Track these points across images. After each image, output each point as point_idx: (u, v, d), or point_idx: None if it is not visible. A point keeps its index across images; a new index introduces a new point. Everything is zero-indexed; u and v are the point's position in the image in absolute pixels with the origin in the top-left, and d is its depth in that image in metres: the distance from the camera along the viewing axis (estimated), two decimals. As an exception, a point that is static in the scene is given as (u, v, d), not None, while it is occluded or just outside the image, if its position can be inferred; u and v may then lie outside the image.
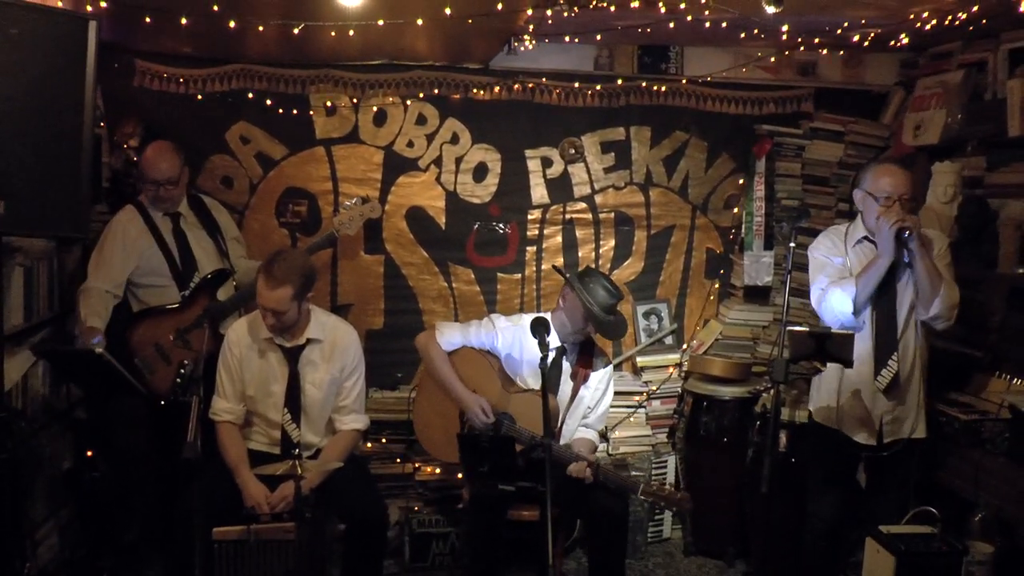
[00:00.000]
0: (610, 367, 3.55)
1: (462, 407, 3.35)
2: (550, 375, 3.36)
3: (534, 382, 3.38)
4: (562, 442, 3.33)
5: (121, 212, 3.56)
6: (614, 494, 3.26)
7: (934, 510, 2.82)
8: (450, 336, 3.44)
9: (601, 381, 3.47)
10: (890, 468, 3.10)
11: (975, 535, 2.82)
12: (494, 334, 3.43)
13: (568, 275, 3.42)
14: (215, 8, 3.00)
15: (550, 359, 3.32)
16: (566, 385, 3.42)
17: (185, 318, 3.45)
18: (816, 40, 3.89)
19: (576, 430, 3.45)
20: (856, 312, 3.00)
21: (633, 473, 3.96)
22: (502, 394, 3.37)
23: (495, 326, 3.44)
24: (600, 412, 3.50)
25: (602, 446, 3.99)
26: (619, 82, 4.17)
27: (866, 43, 3.81)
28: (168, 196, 3.50)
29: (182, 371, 3.19)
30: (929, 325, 3.03)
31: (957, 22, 3.40)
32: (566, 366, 3.44)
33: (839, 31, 3.66)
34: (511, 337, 3.43)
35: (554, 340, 3.35)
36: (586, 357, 3.46)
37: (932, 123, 3.77)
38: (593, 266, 4.34)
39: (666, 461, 4.18)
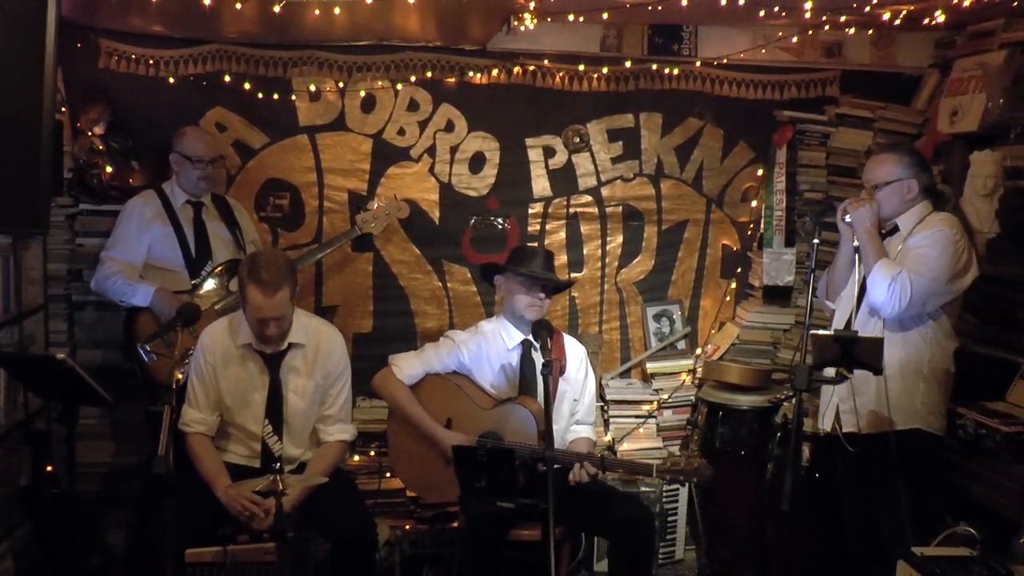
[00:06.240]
0: (580, 347, 3.54)
1: (441, 448, 3.33)
2: (524, 373, 3.39)
3: (508, 388, 3.40)
4: (556, 447, 3.29)
5: (138, 195, 3.71)
6: (632, 501, 3.19)
7: (973, 531, 2.76)
8: (409, 369, 3.42)
9: (580, 367, 3.48)
10: (868, 465, 3.09)
11: (1019, 558, 2.78)
12: (456, 351, 3.43)
13: (488, 265, 3.52)
14: (188, -18, 3.02)
15: (518, 358, 3.40)
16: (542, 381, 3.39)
17: None
18: (843, 18, 3.87)
19: (568, 430, 3.44)
20: (830, 297, 3.28)
21: (643, 489, 3.95)
22: (480, 414, 3.36)
23: (455, 342, 3.45)
24: (588, 402, 3.50)
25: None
26: (628, 64, 4.16)
27: (898, 21, 3.76)
28: (213, 177, 3.73)
29: (186, 361, 3.21)
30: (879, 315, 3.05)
31: (999, -3, 3.42)
32: (537, 359, 3.40)
33: (868, 8, 3.63)
34: (475, 347, 3.44)
35: (514, 338, 3.40)
36: (557, 342, 3.43)
37: (970, 108, 3.75)
38: (599, 264, 4.36)
39: (678, 476, 4.18)
